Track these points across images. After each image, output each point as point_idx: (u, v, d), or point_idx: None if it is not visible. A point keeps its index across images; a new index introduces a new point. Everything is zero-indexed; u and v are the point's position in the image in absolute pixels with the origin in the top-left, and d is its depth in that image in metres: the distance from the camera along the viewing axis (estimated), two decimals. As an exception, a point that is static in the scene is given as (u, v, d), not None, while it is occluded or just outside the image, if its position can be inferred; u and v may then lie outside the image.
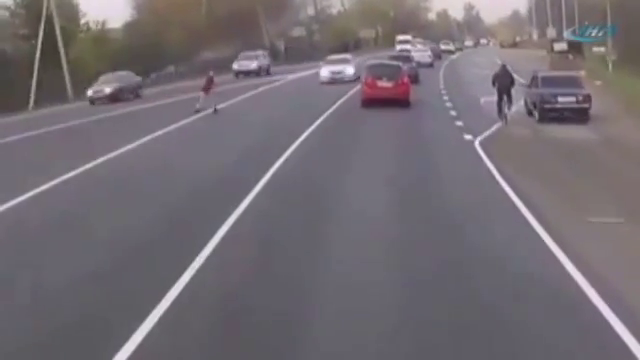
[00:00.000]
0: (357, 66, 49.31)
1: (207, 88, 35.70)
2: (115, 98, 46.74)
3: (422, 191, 17.14)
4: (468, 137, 24.94)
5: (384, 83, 34.35)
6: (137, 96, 49.64)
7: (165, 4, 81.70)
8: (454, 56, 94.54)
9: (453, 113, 32.13)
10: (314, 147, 23.77)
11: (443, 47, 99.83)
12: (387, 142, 24.99)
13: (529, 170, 19.46)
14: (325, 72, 49.62)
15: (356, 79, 44.70)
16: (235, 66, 65.48)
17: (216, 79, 37.49)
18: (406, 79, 35.47)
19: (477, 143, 23.84)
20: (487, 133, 26.15)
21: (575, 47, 56.21)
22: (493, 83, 30.32)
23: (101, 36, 68.82)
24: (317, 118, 30.36)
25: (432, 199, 16.18)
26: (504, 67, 31.04)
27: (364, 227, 13.75)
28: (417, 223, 14.02)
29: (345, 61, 52.42)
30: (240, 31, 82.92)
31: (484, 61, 76.10)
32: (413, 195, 16.63)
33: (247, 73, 62.82)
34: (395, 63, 38.94)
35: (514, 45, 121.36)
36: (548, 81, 30.12)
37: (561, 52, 56.65)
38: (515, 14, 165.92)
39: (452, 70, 64.62)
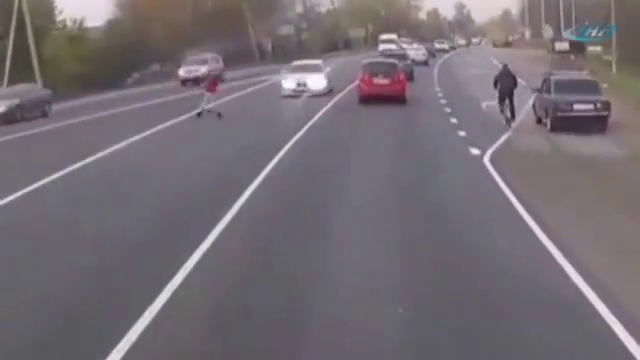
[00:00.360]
0: (332, 74, 41.55)
1: (212, 88, 31.72)
2: (9, 119, 34.90)
3: (429, 243, 12.33)
4: (475, 152, 21.16)
5: (380, 80, 34.91)
6: (44, 114, 37.12)
7: (148, 1, 78.18)
8: (447, 55, 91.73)
9: (453, 120, 28.42)
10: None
11: (437, 46, 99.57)
12: (381, 150, 21.39)
13: (557, 200, 15.55)
14: (289, 83, 38.60)
15: (328, 92, 38.44)
16: (181, 72, 56.76)
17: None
18: (402, 76, 35.96)
19: (487, 160, 20.06)
20: (496, 146, 22.37)
21: (577, 47, 52.62)
22: (495, 85, 28.12)
23: (78, 34, 64.46)
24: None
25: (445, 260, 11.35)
26: (506, 67, 28.52)
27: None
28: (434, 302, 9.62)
29: (314, 68, 40.55)
30: (226, 29, 79.35)
31: (479, 61, 72.81)
32: (421, 253, 11.76)
33: (195, 81, 49.29)
34: (391, 61, 39.59)
35: (507, 44, 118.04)
36: (562, 86, 26.20)
37: (562, 52, 52.98)
38: (506, 14, 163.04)
39: (447, 70, 60.99)
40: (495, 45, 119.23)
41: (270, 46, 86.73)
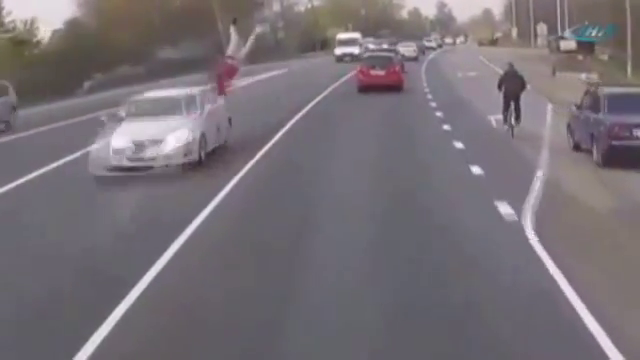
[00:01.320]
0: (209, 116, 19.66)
1: (221, 88, 22.01)
2: None
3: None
4: (507, 212, 12.89)
5: (377, 72, 36.83)
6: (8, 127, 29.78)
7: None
8: (432, 54, 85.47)
9: (459, 145, 20.15)
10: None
11: (426, 44, 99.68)
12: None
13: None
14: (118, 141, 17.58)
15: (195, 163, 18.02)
16: None
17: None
18: (397, 68, 38.27)
19: (531, 232, 11.81)
20: (532, 199, 13.97)
21: (585, 47, 44.41)
22: (499, 87, 23.17)
23: (26, 38, 55.59)
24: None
25: None
26: (512, 67, 23.55)
27: None
28: None
29: (171, 107, 19.11)
30: (195, 28, 71.08)
31: (468, 61, 64.70)
32: None
33: None
34: (387, 54, 42.21)
35: (493, 43, 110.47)
36: (618, 103, 17.70)
37: (569, 52, 44.86)
38: (487, 12, 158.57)
39: (437, 72, 52.34)
40: (481, 43, 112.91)
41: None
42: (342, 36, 78.98)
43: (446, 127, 24.02)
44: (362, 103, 32.69)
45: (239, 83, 37.93)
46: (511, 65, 23.75)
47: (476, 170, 16.61)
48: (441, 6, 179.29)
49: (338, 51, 71.75)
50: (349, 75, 44.63)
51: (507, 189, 14.47)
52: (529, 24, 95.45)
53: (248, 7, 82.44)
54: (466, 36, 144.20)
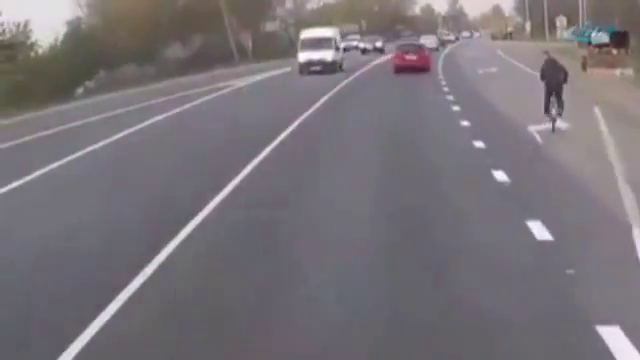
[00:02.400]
0: None
1: None
2: None
3: None
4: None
5: (410, 56, 43.74)
6: None
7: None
8: (448, 49, 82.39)
9: (500, 177, 13.82)
10: None
11: (445, 37, 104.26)
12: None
13: None
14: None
15: None
16: None
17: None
18: (426, 53, 45.69)
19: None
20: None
21: (619, 39, 38.41)
22: (542, 77, 21.37)
23: (16, 41, 50.05)
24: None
25: None
26: (552, 59, 21.47)
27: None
28: None
29: None
30: (203, 26, 65.86)
31: (485, 56, 58.95)
32: None
33: None
34: (418, 43, 51.29)
35: (507, 37, 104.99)
36: None
37: (600, 46, 38.93)
38: (496, 8, 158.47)
39: (455, 71, 46.03)
40: (495, 37, 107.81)
41: (250, 43, 71.69)
42: (308, 34, 51.32)
43: (479, 144, 17.85)
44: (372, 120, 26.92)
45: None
46: (551, 58, 21.68)
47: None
48: (453, 2, 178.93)
49: (303, 57, 48.15)
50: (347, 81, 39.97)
51: (592, 268, 8.64)
52: (541, 17, 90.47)
53: (258, 5, 76.72)
54: (480, 30, 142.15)
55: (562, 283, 8.28)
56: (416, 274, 8.89)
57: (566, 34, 64.14)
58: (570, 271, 8.56)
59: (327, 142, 19.71)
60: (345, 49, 77.96)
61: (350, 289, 8.45)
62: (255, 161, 16.49)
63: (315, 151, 18.35)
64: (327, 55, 47.85)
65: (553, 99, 20.39)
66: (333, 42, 49.74)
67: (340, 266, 9.27)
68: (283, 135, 20.51)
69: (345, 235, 10.69)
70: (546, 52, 22.63)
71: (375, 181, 14.78)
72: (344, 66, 50.16)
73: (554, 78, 20.79)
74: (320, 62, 47.11)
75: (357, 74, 46.25)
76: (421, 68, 41.88)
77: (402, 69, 41.87)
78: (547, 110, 20.37)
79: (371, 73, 48.09)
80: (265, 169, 15.98)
